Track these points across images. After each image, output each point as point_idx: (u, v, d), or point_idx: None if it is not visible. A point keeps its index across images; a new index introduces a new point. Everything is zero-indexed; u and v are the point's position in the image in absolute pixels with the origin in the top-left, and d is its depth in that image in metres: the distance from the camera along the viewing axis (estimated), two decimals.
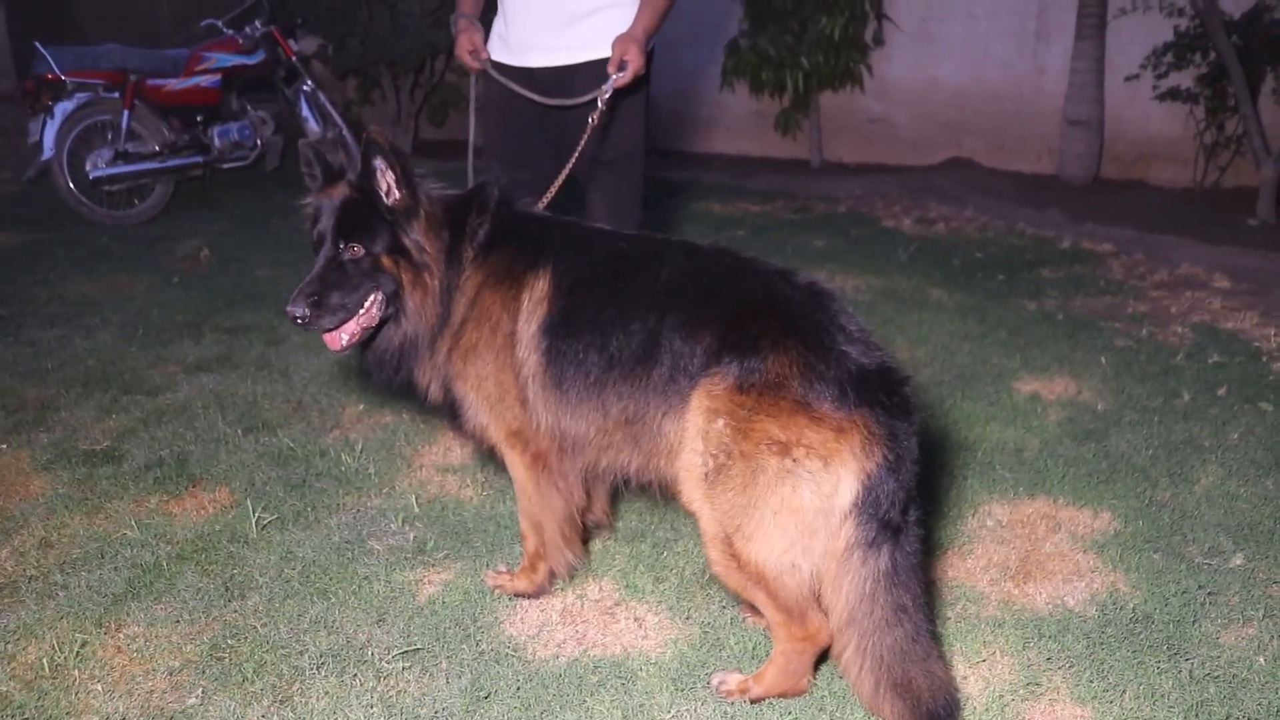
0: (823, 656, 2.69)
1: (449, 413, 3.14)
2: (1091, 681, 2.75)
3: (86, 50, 8.12)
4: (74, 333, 5.46)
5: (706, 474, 2.55)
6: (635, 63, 3.74)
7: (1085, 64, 9.10)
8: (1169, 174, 9.34)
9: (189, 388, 4.73)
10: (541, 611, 3.10)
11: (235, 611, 3.08)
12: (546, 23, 3.96)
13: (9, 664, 2.84)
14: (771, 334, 2.53)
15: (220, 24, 8.78)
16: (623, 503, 3.62)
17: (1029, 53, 9.81)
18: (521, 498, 3.11)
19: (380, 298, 2.89)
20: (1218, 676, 2.76)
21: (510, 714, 2.64)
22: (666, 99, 11.26)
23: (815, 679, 2.72)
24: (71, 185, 7.80)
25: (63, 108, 7.72)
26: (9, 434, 4.26)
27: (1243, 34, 8.24)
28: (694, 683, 2.76)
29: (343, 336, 2.90)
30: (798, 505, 2.44)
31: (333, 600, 3.13)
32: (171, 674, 2.81)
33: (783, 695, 2.68)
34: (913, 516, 2.52)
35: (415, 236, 2.88)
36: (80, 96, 7.81)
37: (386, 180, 2.84)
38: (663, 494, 2.90)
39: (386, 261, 2.86)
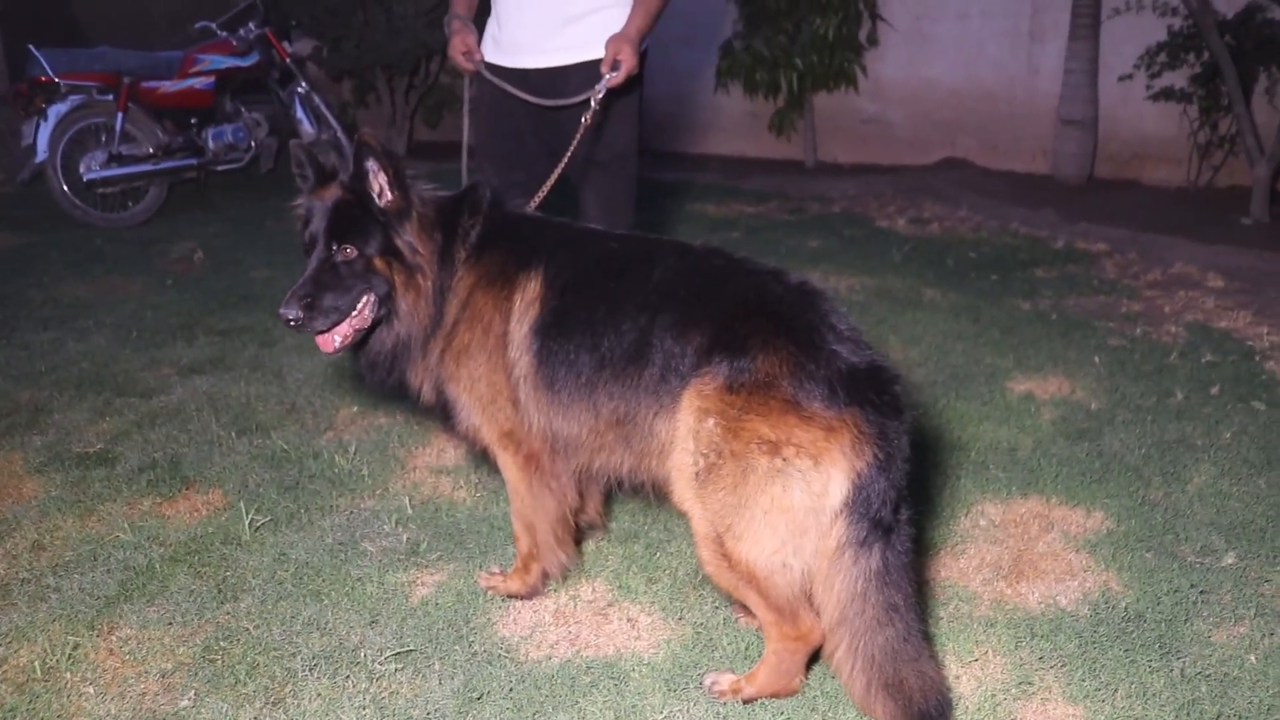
0: (815, 656, 2.69)
1: (442, 414, 3.15)
2: (1084, 680, 2.75)
3: (80, 52, 8.13)
4: (68, 335, 5.45)
5: (697, 474, 2.55)
6: (628, 63, 3.74)
7: (1079, 64, 9.11)
8: (1163, 173, 9.35)
9: (182, 390, 4.73)
10: (534, 612, 3.10)
11: (228, 613, 3.08)
12: (540, 24, 3.96)
13: (0, 667, 2.84)
14: (762, 333, 2.53)
15: (214, 26, 8.77)
16: (616, 503, 3.62)
17: (1023, 52, 9.82)
18: (514, 499, 3.11)
19: (373, 299, 2.89)
20: (1209, 675, 2.77)
21: (503, 715, 2.64)
22: (661, 100, 11.26)
23: (807, 679, 2.72)
24: (65, 188, 7.80)
25: (56, 110, 7.73)
26: (2, 437, 4.25)
27: (1236, 34, 8.24)
28: (687, 683, 2.76)
29: (335, 338, 2.90)
30: (788, 504, 2.44)
31: (326, 602, 3.13)
32: (164, 676, 2.81)
33: (775, 695, 2.68)
34: (904, 515, 2.52)
35: (408, 238, 2.88)
36: (74, 99, 7.81)
37: (379, 182, 2.84)
38: (655, 494, 2.90)
39: (379, 263, 2.86)
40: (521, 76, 3.99)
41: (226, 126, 8.66)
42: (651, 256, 2.85)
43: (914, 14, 10.22)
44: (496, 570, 3.26)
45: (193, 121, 8.53)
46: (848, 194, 9.28)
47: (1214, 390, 4.63)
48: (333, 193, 2.86)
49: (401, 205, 2.87)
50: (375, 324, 2.94)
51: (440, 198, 3.00)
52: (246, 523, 3.54)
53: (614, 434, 2.79)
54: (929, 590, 3.15)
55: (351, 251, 2.83)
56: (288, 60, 8.90)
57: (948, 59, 10.21)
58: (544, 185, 3.63)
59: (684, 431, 2.59)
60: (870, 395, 2.45)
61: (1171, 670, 2.78)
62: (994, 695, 2.71)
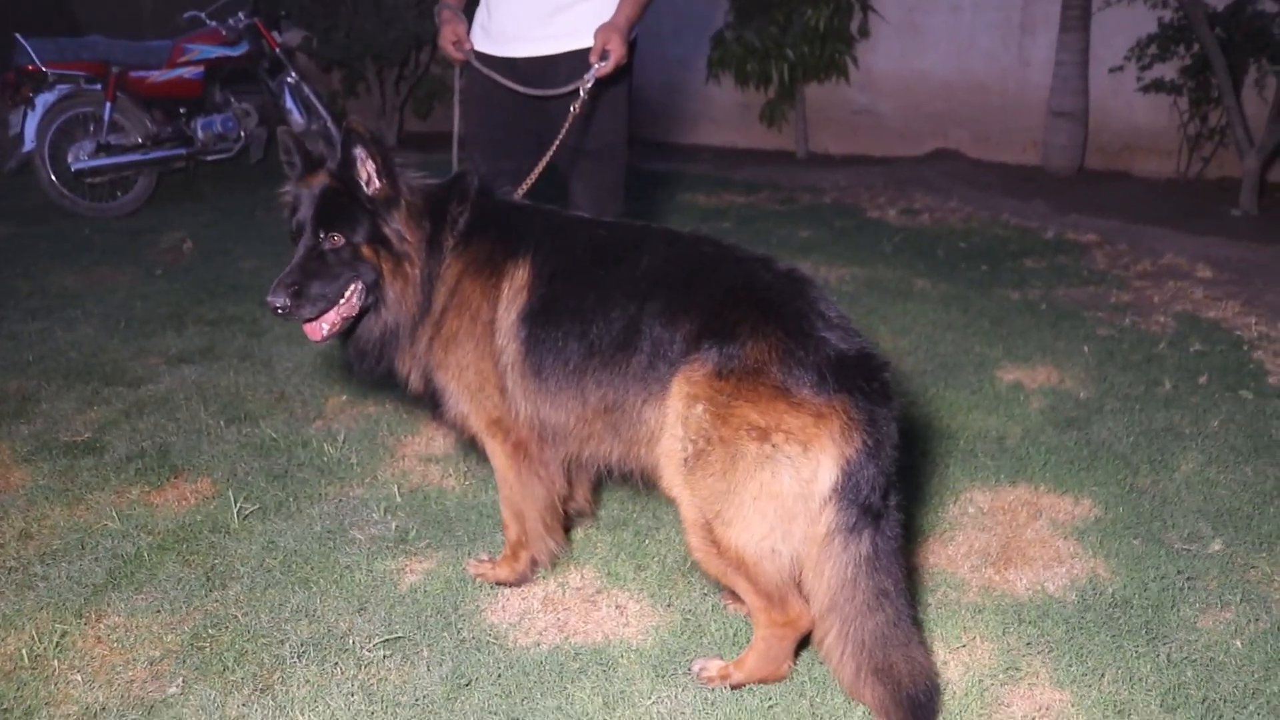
0: (803, 642, 2.70)
1: (430, 402, 3.14)
2: (1070, 666, 2.76)
3: (68, 42, 8.08)
4: (56, 325, 5.43)
5: (686, 460, 2.55)
6: (617, 52, 3.74)
7: (1070, 55, 9.12)
8: (1153, 165, 9.37)
9: (171, 379, 4.72)
10: (523, 600, 3.10)
11: (216, 601, 3.08)
12: (529, 13, 3.95)
13: None
14: (751, 320, 2.53)
15: (203, 15, 8.76)
16: (605, 491, 3.62)
17: (1014, 44, 9.82)
18: (503, 486, 3.11)
19: (360, 287, 2.88)
20: (1195, 660, 2.78)
21: (491, 701, 2.64)
22: (652, 91, 11.25)
23: (796, 665, 2.73)
24: (53, 177, 7.76)
25: (44, 99, 7.69)
26: None
27: (1225, 26, 8.26)
28: (675, 669, 2.76)
29: (323, 326, 2.89)
30: (777, 490, 2.45)
31: (314, 589, 3.13)
32: (152, 663, 2.80)
33: (763, 681, 2.68)
34: (893, 501, 2.52)
35: (396, 226, 2.87)
36: (62, 88, 7.78)
37: (367, 170, 2.83)
38: (644, 482, 2.90)
39: (367, 251, 2.85)
40: (510, 65, 3.98)
41: (216, 116, 8.62)
42: (640, 244, 2.84)
43: (905, 6, 10.23)
44: (485, 558, 3.26)
45: (182, 111, 8.49)
46: (839, 185, 9.28)
47: (1202, 379, 4.64)
48: (320, 180, 2.84)
49: (389, 193, 2.85)
50: (363, 312, 2.93)
51: (428, 186, 2.99)
52: (235, 511, 3.54)
53: (602, 421, 2.79)
54: (918, 576, 3.16)
55: (339, 239, 2.82)
56: (277, 50, 8.87)
57: (939, 50, 10.21)
58: (531, 174, 3.62)
59: (673, 418, 2.59)
60: (859, 382, 2.45)
61: (1158, 655, 2.79)
62: (981, 680, 2.72)
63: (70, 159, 7.75)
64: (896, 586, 2.51)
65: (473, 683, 2.70)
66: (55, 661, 2.80)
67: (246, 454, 3.99)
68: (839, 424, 2.42)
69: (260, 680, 2.73)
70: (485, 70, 3.97)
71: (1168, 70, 8.78)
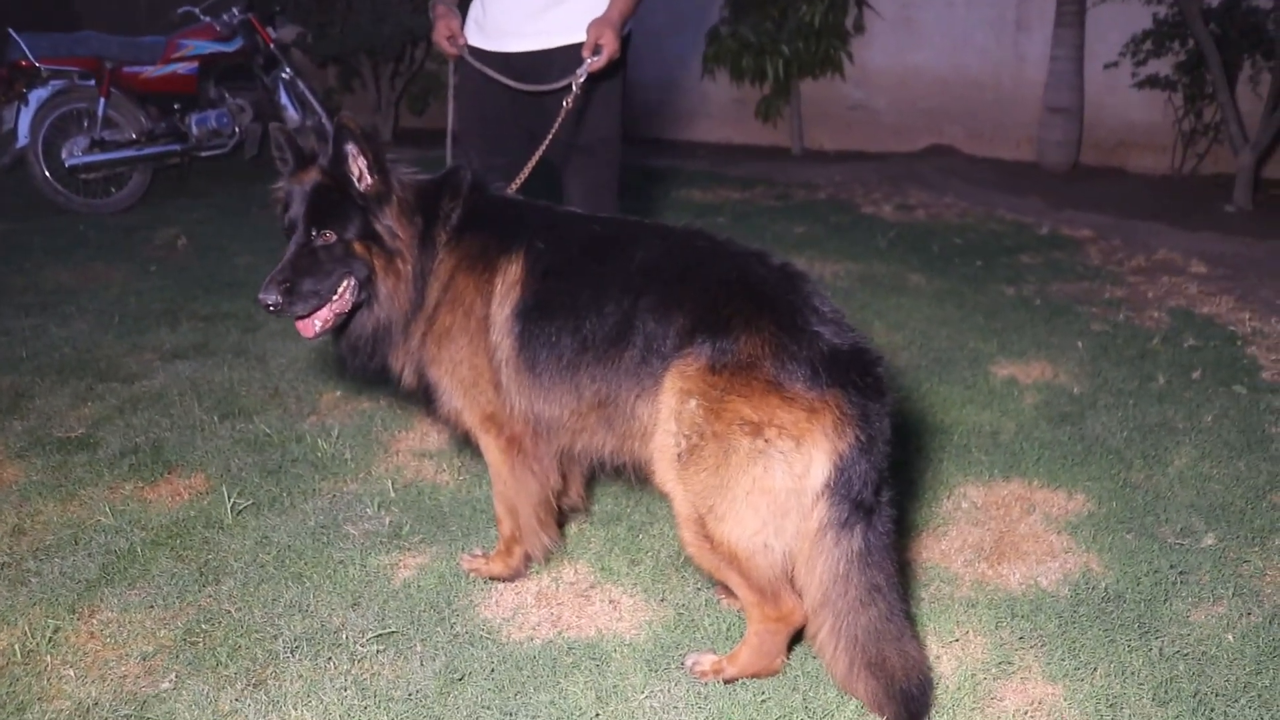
0: (797, 637, 2.70)
1: (424, 398, 3.14)
2: (1063, 660, 2.77)
3: (61, 37, 8.05)
4: (50, 321, 5.42)
5: (679, 455, 2.55)
6: (610, 47, 3.73)
7: (1065, 51, 9.13)
8: (1148, 161, 9.39)
9: (165, 375, 4.71)
10: (516, 594, 3.10)
11: (210, 596, 3.07)
12: (523, 8, 3.95)
13: None
14: (744, 315, 2.53)
15: (198, 11, 8.72)
16: (598, 486, 3.62)
17: (1009, 40, 9.83)
18: (496, 482, 3.11)
19: (353, 283, 2.87)
20: (1187, 654, 2.79)
21: (484, 696, 2.64)
22: (648, 87, 11.24)
23: (789, 659, 2.73)
24: (47, 173, 7.74)
25: (38, 95, 7.67)
26: None
27: (1220, 22, 8.27)
28: (668, 664, 2.76)
29: (315, 323, 2.90)
30: (770, 485, 2.45)
31: (308, 584, 3.13)
32: (145, 659, 2.80)
33: (756, 675, 2.69)
34: (885, 497, 2.53)
35: (388, 222, 2.86)
36: (55, 84, 7.75)
37: (358, 166, 2.82)
38: (638, 477, 2.90)
39: (359, 247, 2.84)
40: (504, 60, 3.98)
41: (210, 112, 8.60)
42: (634, 239, 2.84)
43: (900, 1, 10.24)
44: (479, 552, 3.26)
45: (176, 107, 8.47)
46: (834, 180, 9.28)
47: (1196, 374, 4.65)
48: (312, 176, 2.84)
49: (381, 189, 2.85)
50: (356, 308, 2.93)
51: (420, 181, 2.99)
52: (229, 506, 3.53)
53: (596, 416, 2.78)
54: (911, 571, 3.16)
55: (330, 236, 2.82)
56: (272, 46, 8.84)
57: (934, 46, 10.22)
58: (524, 169, 3.61)
59: (666, 413, 2.59)
60: (853, 377, 2.45)
61: (1150, 649, 2.80)
62: (974, 674, 2.72)
63: (64, 155, 7.72)
64: (889, 581, 2.51)
65: (466, 677, 2.71)
66: (48, 657, 2.80)
67: (240, 449, 3.98)
68: (832, 419, 2.42)
69: (253, 675, 2.73)
70: (479, 65, 3.97)
71: (1162, 66, 8.80)
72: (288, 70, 8.93)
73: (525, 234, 2.91)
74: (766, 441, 2.43)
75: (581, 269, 2.81)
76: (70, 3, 11.18)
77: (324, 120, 8.92)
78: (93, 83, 7.85)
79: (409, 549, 3.33)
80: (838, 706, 2.60)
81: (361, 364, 3.05)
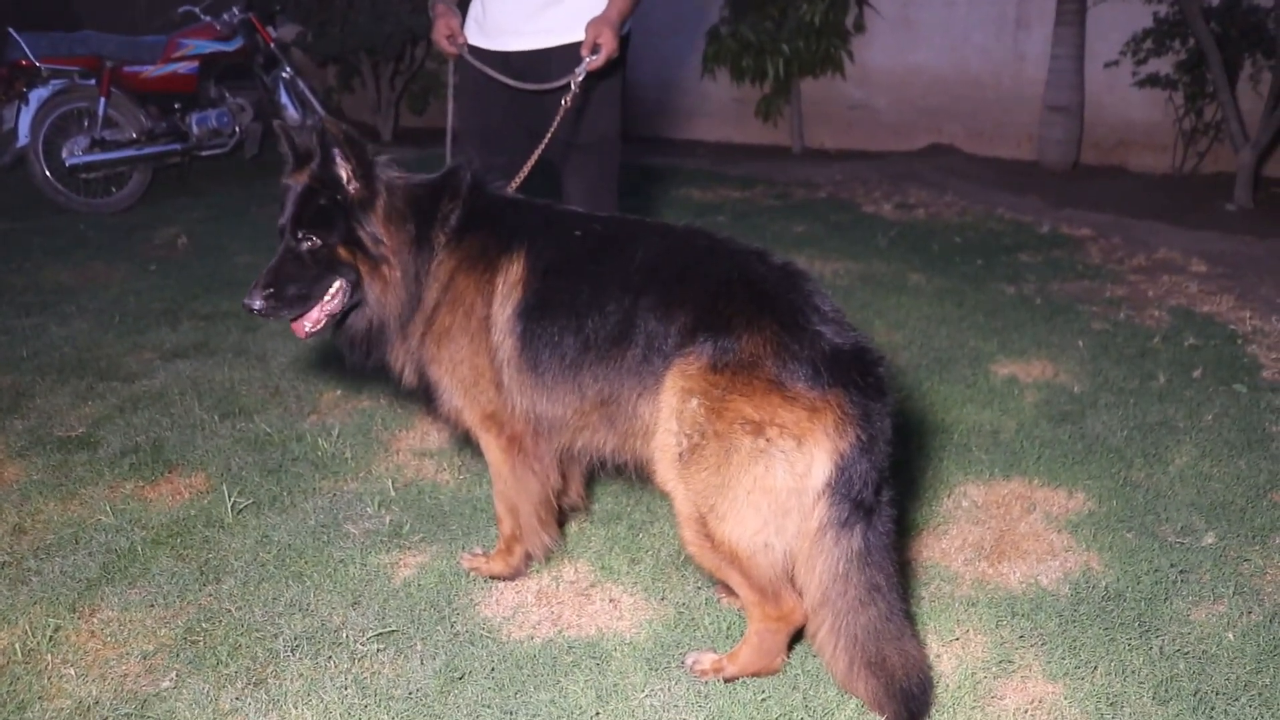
0: (797, 636, 2.70)
1: (424, 397, 3.14)
2: (1063, 659, 2.77)
3: (61, 37, 8.05)
4: (50, 320, 5.42)
5: (680, 454, 2.55)
6: (609, 45, 3.73)
7: (1065, 50, 9.12)
8: (1148, 160, 9.38)
9: (165, 374, 4.71)
10: (517, 593, 3.10)
11: (210, 595, 3.07)
12: (522, 7, 3.95)
13: None
14: (746, 314, 2.53)
15: (198, 10, 8.72)
16: (599, 485, 3.62)
17: (1009, 39, 9.83)
18: (497, 481, 3.10)
19: (344, 285, 2.88)
20: (1187, 653, 2.79)
21: (484, 695, 2.64)
22: (648, 87, 11.24)
23: (789, 658, 2.73)
24: (48, 173, 7.73)
25: (38, 94, 7.66)
26: None
27: (1221, 21, 8.27)
28: (668, 662, 2.76)
29: (305, 325, 2.93)
30: (771, 485, 2.45)
31: (308, 583, 3.13)
32: (145, 658, 2.80)
33: (756, 674, 2.69)
34: (886, 497, 2.53)
35: (371, 229, 2.84)
36: (56, 83, 7.74)
37: (345, 170, 2.81)
38: (639, 476, 2.90)
39: (343, 253, 2.84)
40: (504, 60, 3.98)
41: (210, 112, 8.60)
42: (634, 237, 2.84)
43: (900, 0, 10.21)
44: (479, 551, 3.26)
45: (176, 106, 8.46)
46: (834, 179, 9.28)
47: (1196, 373, 4.65)
48: (302, 179, 2.84)
49: (364, 195, 2.83)
50: (353, 306, 2.94)
51: (415, 184, 2.97)
52: (229, 505, 3.53)
53: (598, 415, 2.78)
54: (911, 570, 3.16)
55: (316, 241, 2.83)
56: (272, 45, 8.84)
57: (934, 45, 10.21)
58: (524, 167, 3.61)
59: (667, 412, 2.58)
60: (854, 376, 2.45)
61: (1150, 648, 2.80)
62: (974, 673, 2.72)
63: (65, 154, 7.72)
64: (889, 581, 2.51)
65: (466, 676, 2.71)
66: (48, 656, 2.80)
67: (241, 449, 3.98)
68: (833, 419, 2.42)
69: (254, 674, 2.73)
70: (478, 64, 3.97)
71: (1163, 65, 8.79)
72: (288, 69, 8.94)
73: (526, 233, 2.91)
74: (768, 441, 2.43)
75: (583, 268, 2.81)
76: (70, 2, 11.16)
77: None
78: (93, 82, 7.85)
79: (409, 548, 3.33)
80: (838, 705, 2.60)
81: (359, 359, 3.06)
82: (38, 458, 3.91)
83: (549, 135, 3.70)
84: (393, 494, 3.66)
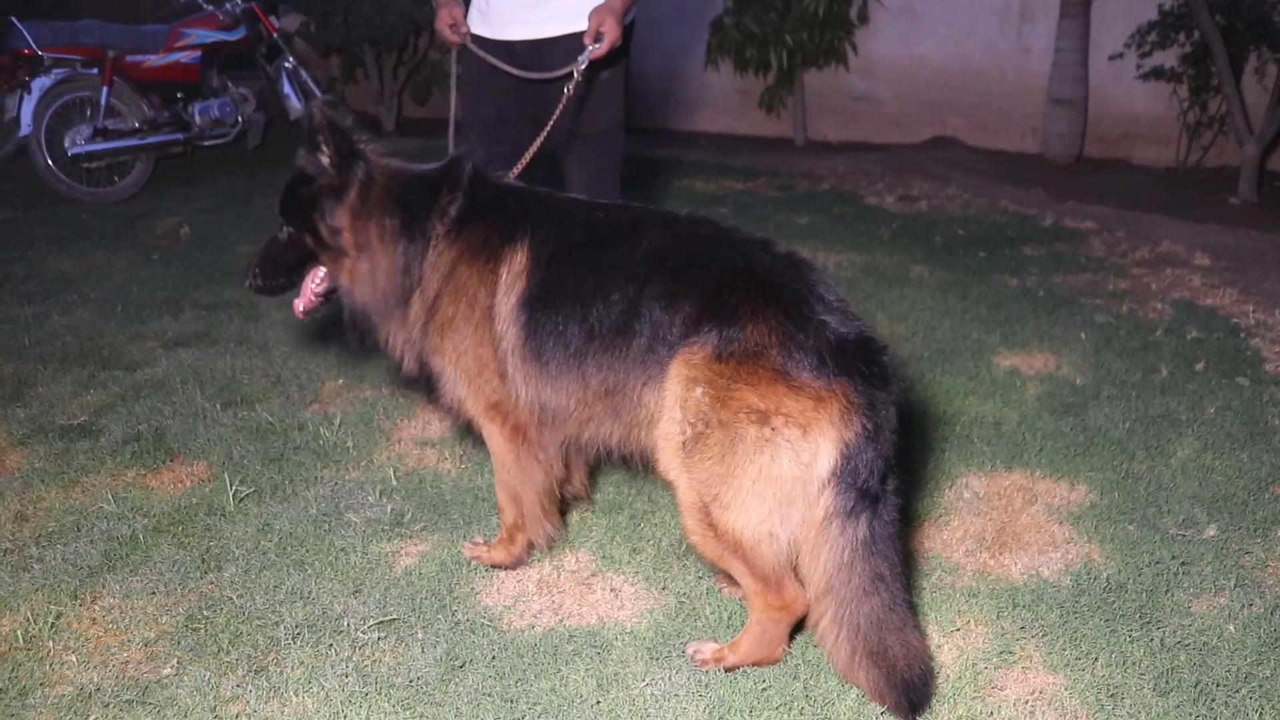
0: (798, 625, 2.70)
1: (426, 386, 3.14)
2: (1064, 650, 2.77)
3: (64, 25, 8.03)
4: (52, 309, 5.42)
5: (684, 443, 2.55)
6: (612, 34, 3.72)
7: (1069, 43, 9.09)
8: (1152, 153, 9.36)
9: (167, 363, 4.71)
10: (518, 582, 3.10)
11: (211, 583, 3.08)
12: None
13: None
14: (750, 303, 2.52)
15: (201, 0, 8.71)
16: (600, 475, 3.62)
17: (1013, 31, 9.79)
18: (500, 470, 3.10)
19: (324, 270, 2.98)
20: (1188, 644, 2.79)
21: (485, 683, 2.64)
22: (651, 78, 11.22)
23: (790, 648, 2.73)
24: (50, 162, 7.72)
25: (40, 83, 7.65)
26: None
27: (1226, 13, 8.24)
28: (669, 652, 2.77)
29: (299, 304, 3.04)
30: (776, 474, 2.44)
31: (309, 571, 3.13)
32: (146, 645, 2.80)
33: (758, 664, 2.69)
34: (891, 486, 2.52)
35: (331, 220, 2.85)
36: (58, 72, 7.73)
37: (325, 158, 2.81)
38: (643, 465, 2.89)
39: (308, 241, 2.90)
40: (506, 48, 3.97)
41: (213, 101, 8.59)
42: (639, 226, 2.83)
43: None
44: (481, 540, 3.27)
45: (179, 96, 8.45)
46: (837, 171, 9.26)
47: (1199, 366, 4.65)
48: (299, 165, 2.87)
49: (334, 183, 2.83)
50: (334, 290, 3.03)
51: (408, 174, 2.97)
52: (231, 494, 3.53)
53: (603, 405, 2.78)
54: (913, 561, 3.16)
55: (289, 229, 2.92)
56: (275, 35, 8.83)
57: (938, 37, 10.18)
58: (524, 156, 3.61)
59: (671, 401, 2.58)
60: (859, 366, 2.45)
61: (1151, 640, 2.80)
62: (975, 664, 2.72)
63: (67, 143, 7.71)
64: (892, 571, 2.51)
65: (467, 665, 2.71)
66: (50, 643, 2.80)
67: (242, 437, 3.98)
68: (838, 408, 2.41)
69: (255, 662, 2.73)
70: (482, 54, 3.96)
71: (1167, 58, 8.76)
72: (290, 59, 8.93)
73: (530, 222, 2.90)
74: (773, 430, 2.42)
75: (587, 257, 2.80)
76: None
77: None
78: (95, 71, 7.84)
79: (410, 536, 3.33)
80: (839, 695, 2.60)
81: (354, 342, 3.11)
82: (40, 446, 3.91)
83: (550, 124, 3.69)
84: (394, 483, 3.66)
